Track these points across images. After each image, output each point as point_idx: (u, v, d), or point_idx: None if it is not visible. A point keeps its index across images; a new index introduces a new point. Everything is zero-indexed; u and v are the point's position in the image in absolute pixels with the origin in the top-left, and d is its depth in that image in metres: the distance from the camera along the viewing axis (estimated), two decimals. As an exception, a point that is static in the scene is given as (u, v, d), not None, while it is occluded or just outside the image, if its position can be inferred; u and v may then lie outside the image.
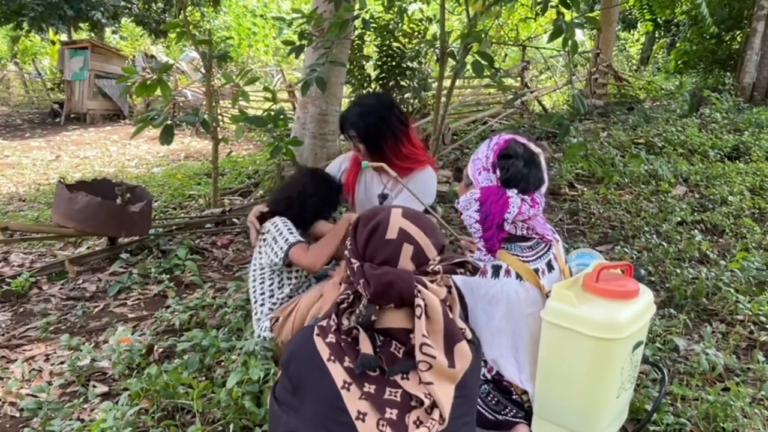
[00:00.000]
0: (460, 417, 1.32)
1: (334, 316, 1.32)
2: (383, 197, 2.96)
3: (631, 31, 21.01)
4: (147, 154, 10.39)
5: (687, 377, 2.58)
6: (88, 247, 4.45)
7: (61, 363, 2.77)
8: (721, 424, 2.23)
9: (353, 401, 1.24)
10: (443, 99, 4.48)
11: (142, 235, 4.26)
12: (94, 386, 2.56)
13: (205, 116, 4.58)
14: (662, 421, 2.19)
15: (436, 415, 1.23)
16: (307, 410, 1.29)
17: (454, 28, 9.94)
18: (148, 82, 4.35)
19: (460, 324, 1.36)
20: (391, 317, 1.31)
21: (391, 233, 1.33)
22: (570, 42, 3.47)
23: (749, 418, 2.28)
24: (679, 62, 14.83)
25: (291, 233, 2.52)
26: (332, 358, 1.28)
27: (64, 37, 17.54)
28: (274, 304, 2.61)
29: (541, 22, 15.14)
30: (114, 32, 21.15)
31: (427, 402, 1.23)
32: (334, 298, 1.35)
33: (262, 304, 2.63)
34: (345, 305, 1.32)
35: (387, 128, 2.79)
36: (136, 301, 3.55)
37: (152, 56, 20.14)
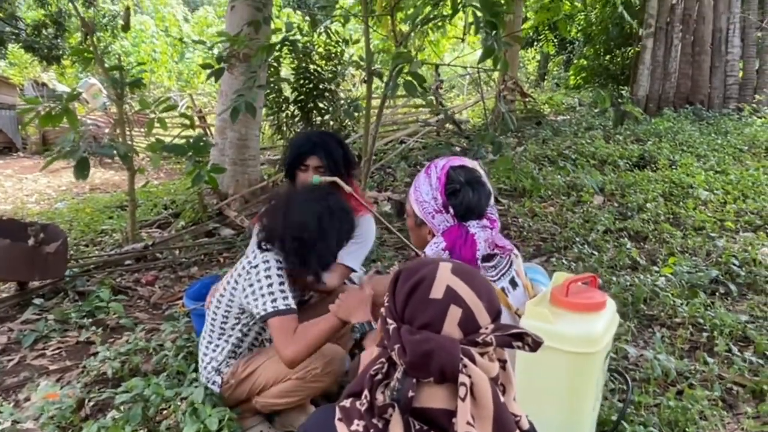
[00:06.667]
0: None
1: (366, 392, 1.07)
2: None
3: (528, 50, 22.04)
4: (47, 188, 9.68)
5: (644, 384, 2.63)
6: (-6, 295, 4.03)
7: (-23, 429, 2.45)
8: (685, 430, 2.27)
9: None
10: (372, 119, 4.44)
11: (57, 278, 3.91)
12: (21, 453, 2.28)
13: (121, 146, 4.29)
14: (632, 432, 2.20)
15: None
16: None
17: (376, 48, 10.00)
18: (53, 112, 4.05)
19: (516, 410, 1.14)
20: (430, 395, 1.07)
21: (437, 292, 1.10)
22: (500, 61, 3.53)
23: (708, 420, 2.33)
24: (578, 78, 15.70)
25: (282, 292, 2.12)
26: None
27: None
28: (231, 353, 2.30)
29: (450, 42, 15.59)
30: (0, 59, 19.76)
31: None
32: (366, 368, 1.10)
33: (215, 349, 2.32)
34: (380, 377, 1.07)
35: (350, 163, 2.76)
36: (57, 351, 3.23)
37: (43, 84, 18.98)
